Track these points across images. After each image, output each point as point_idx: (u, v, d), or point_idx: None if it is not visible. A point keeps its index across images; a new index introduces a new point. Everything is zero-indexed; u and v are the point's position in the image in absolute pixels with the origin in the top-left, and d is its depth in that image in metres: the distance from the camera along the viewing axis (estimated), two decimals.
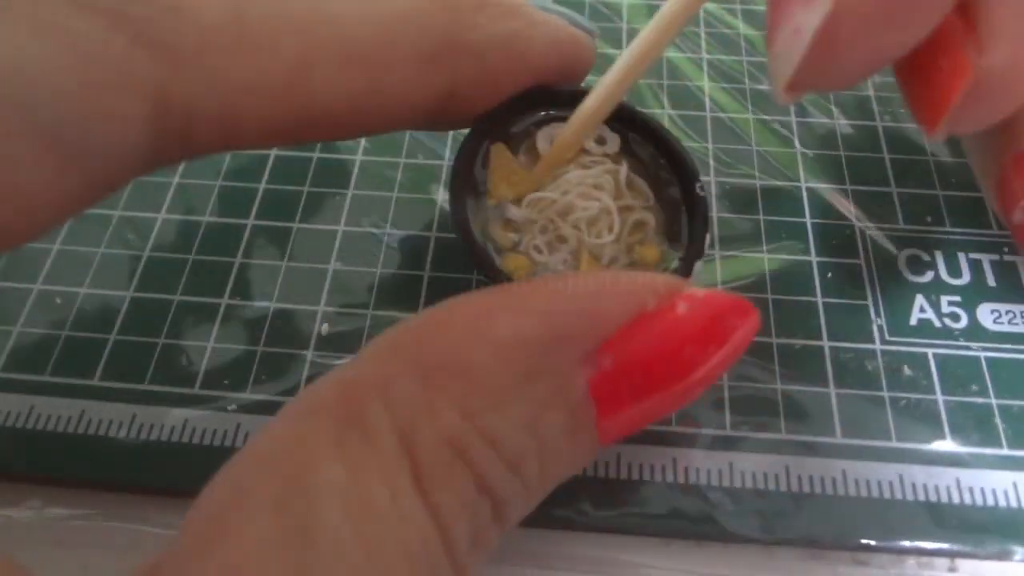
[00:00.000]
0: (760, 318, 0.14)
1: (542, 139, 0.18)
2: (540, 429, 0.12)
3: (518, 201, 0.17)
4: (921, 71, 0.16)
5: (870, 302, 0.20)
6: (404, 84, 0.16)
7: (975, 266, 0.20)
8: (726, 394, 0.18)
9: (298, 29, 0.14)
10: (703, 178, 0.22)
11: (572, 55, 0.18)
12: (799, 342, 0.19)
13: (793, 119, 0.23)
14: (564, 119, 0.17)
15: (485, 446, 0.12)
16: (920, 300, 0.20)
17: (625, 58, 0.16)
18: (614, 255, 0.17)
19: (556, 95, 0.18)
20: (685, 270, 0.16)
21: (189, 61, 0.13)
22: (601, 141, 0.18)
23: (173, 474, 0.17)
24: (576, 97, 0.17)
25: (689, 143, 0.23)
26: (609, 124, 0.18)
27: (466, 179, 0.17)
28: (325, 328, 0.19)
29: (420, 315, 0.13)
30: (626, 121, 0.18)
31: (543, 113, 0.18)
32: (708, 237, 0.17)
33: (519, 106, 0.17)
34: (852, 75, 0.16)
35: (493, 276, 0.16)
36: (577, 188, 0.17)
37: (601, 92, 0.17)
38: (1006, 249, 0.21)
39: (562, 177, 0.17)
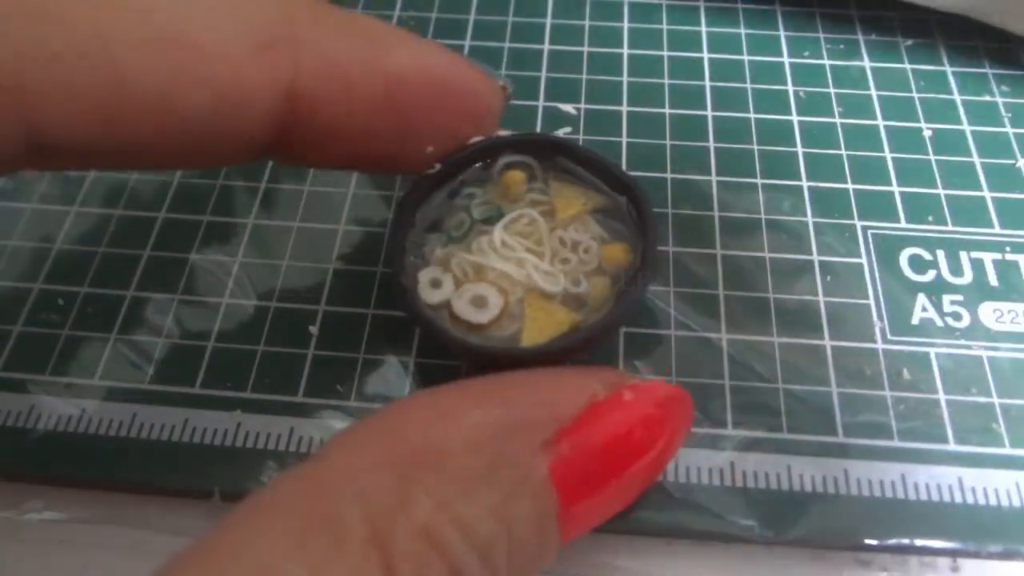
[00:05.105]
0: (694, 403, 0.16)
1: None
2: (507, 517, 0.12)
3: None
4: None
5: (872, 302, 0.20)
6: (234, 73, 0.14)
7: (977, 265, 0.20)
8: (728, 394, 0.18)
9: (93, 4, 0.13)
10: (705, 177, 0.22)
11: (459, 87, 0.16)
12: (800, 342, 0.19)
13: (794, 118, 0.23)
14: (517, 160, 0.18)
15: (458, 535, 0.12)
16: (922, 299, 0.20)
17: None
18: (560, 286, 0.16)
19: (511, 142, 0.18)
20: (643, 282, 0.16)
21: None
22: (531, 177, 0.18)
23: (173, 474, 0.17)
24: (533, 143, 0.18)
25: (689, 143, 0.23)
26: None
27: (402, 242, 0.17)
28: (314, 330, 0.19)
29: (380, 411, 0.14)
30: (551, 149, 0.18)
31: (504, 160, 0.18)
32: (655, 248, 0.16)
33: (466, 158, 0.17)
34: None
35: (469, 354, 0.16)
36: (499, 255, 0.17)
37: None
38: (1008, 248, 0.21)
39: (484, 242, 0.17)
